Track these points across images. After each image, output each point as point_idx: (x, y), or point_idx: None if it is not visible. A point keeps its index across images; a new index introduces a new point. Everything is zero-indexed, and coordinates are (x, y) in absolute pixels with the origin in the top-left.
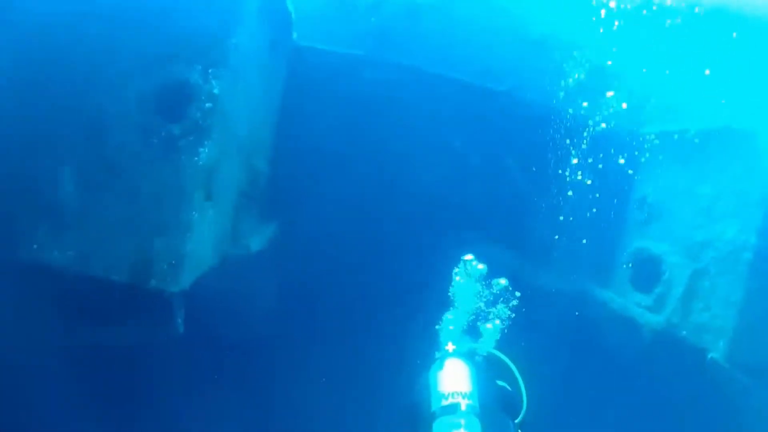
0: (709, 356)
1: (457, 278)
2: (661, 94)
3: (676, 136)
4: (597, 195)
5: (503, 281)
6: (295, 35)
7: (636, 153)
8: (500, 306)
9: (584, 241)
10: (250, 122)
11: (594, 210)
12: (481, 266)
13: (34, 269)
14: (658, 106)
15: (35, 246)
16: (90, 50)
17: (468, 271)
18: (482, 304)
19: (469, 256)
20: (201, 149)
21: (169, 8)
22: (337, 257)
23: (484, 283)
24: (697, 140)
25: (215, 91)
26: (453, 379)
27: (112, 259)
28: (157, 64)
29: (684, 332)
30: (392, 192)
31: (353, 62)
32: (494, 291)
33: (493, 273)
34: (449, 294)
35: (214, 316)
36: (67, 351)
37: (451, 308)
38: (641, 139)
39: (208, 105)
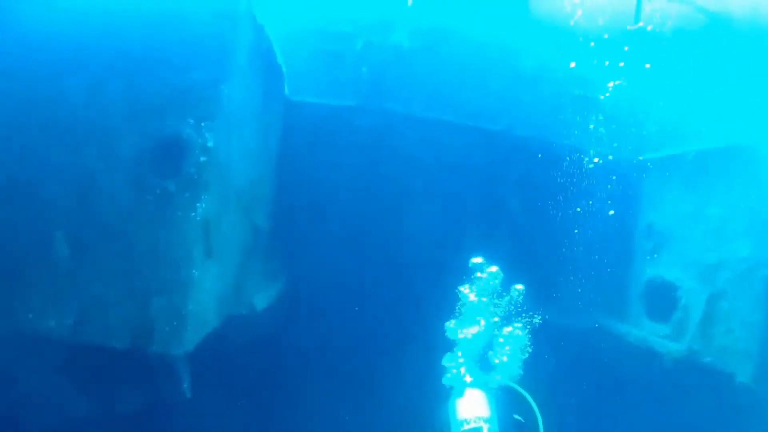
0: (738, 380)
1: (465, 290)
2: (659, 119)
3: (677, 160)
4: (601, 228)
5: (520, 287)
6: (287, 90)
7: (638, 181)
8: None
9: (593, 275)
10: (248, 175)
11: (600, 243)
12: (494, 269)
13: (32, 339)
14: (656, 131)
15: (31, 315)
16: (78, 107)
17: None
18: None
19: (478, 259)
20: (198, 204)
21: (157, 61)
22: (343, 307)
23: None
24: (699, 162)
25: (209, 144)
26: (474, 406)
27: (112, 325)
28: (147, 119)
29: (708, 358)
30: (393, 238)
31: (346, 113)
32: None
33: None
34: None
35: (221, 378)
36: (73, 419)
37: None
38: (641, 166)
39: (202, 158)
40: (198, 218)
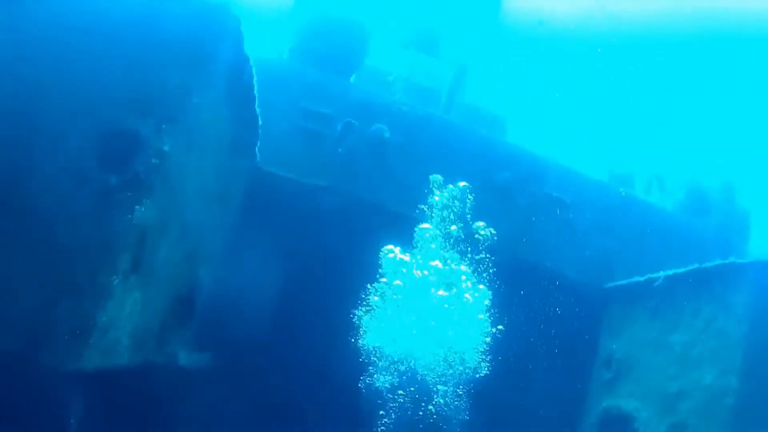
0: None
1: None
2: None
3: (642, 287)
4: (560, 358)
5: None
6: (258, 157)
7: (600, 309)
8: None
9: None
10: (200, 210)
11: (556, 372)
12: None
13: None
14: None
15: None
16: (35, 80)
17: None
18: None
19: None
20: (137, 206)
21: (130, 52)
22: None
23: None
24: (666, 288)
25: (165, 147)
26: None
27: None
28: (107, 108)
29: None
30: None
31: (315, 192)
32: None
33: None
34: None
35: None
36: None
37: None
38: (605, 294)
39: (154, 161)
40: (134, 222)
